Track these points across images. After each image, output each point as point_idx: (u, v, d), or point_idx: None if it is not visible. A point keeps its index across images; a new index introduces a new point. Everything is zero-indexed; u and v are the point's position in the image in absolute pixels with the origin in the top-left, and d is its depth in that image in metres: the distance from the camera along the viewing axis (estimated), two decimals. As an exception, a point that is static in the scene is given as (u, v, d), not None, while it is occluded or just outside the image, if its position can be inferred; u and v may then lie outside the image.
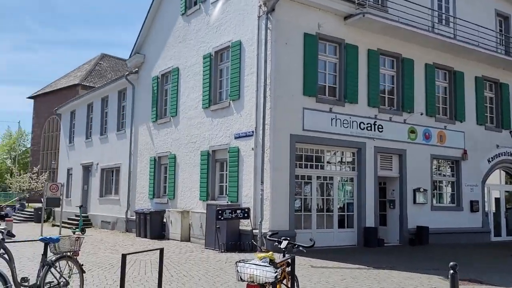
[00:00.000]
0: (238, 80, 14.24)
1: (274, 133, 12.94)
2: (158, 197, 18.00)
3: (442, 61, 16.97)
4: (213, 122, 15.30)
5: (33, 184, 35.51)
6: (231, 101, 14.55)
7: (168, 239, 15.96)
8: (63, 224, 20.56)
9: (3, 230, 5.48)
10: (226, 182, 14.72)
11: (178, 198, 16.66)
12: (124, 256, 4.99)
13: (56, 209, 22.60)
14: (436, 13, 17.17)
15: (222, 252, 12.70)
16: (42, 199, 32.37)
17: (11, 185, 39.59)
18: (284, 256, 5.10)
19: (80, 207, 20.71)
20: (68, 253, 6.07)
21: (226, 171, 14.77)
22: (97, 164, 22.93)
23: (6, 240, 5.52)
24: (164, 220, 16.63)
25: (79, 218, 22.43)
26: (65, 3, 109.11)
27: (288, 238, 5.28)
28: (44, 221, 26.90)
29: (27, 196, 35.59)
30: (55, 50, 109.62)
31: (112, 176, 22.00)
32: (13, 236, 5.57)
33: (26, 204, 32.84)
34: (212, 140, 15.26)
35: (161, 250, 5.78)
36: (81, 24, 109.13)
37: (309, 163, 14.00)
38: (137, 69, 20.23)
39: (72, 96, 31.13)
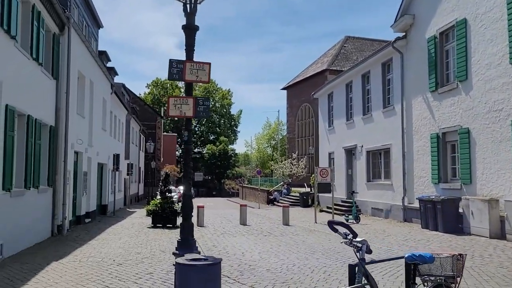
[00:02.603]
0: None
1: None
2: (445, 181, 14.83)
3: None
4: (531, 79, 11.26)
5: (294, 170, 36.93)
6: None
7: (469, 234, 12.69)
8: (329, 210, 19.63)
9: (359, 245, 3.61)
10: (561, 160, 10.55)
11: (478, 182, 13.16)
12: None
13: (321, 194, 21.95)
14: None
15: None
16: (305, 184, 33.19)
17: (274, 171, 42.52)
18: None
19: (352, 193, 19.31)
20: (443, 279, 3.85)
21: (560, 145, 10.59)
22: (362, 146, 21.18)
23: (367, 261, 3.59)
24: (460, 210, 13.43)
25: (344, 204, 21.35)
26: (301, 2, 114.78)
27: None
28: (308, 206, 27.24)
29: (290, 181, 37.20)
30: (298, 46, 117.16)
31: (380, 159, 19.83)
32: (371, 252, 3.66)
33: (290, 188, 34.10)
34: (531, 104, 11.25)
35: None
36: (318, 19, 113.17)
37: None
38: (404, 33, 17.41)
39: (321, 83, 30.54)
